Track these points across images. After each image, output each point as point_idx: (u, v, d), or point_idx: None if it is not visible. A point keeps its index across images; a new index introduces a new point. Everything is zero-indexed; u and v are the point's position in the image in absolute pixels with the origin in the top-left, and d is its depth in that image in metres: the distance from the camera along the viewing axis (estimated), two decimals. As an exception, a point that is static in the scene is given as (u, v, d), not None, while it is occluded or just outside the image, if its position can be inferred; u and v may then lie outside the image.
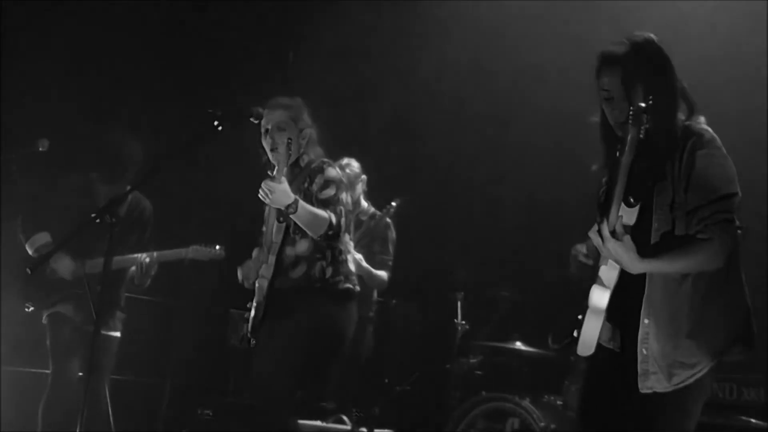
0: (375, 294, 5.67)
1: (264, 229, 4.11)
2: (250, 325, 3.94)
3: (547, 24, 6.22)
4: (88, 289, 4.53)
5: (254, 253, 4.11)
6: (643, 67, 2.79)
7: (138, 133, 5.12)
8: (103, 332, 4.46)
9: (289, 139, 3.87)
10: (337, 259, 3.94)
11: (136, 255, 4.81)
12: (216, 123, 3.75)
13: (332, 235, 3.80)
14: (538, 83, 6.21)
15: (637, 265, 2.69)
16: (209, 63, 6.77)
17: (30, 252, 4.89)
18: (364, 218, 5.62)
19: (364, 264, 5.30)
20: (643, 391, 2.76)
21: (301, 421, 5.20)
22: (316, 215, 3.76)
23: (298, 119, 4.05)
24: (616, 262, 2.73)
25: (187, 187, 6.41)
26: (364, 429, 5.22)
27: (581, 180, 3.52)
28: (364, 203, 5.67)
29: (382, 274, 5.47)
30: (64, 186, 5.02)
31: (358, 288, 4.02)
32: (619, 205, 2.70)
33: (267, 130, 3.98)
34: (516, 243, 6.31)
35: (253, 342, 3.92)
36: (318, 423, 5.38)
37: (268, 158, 4.00)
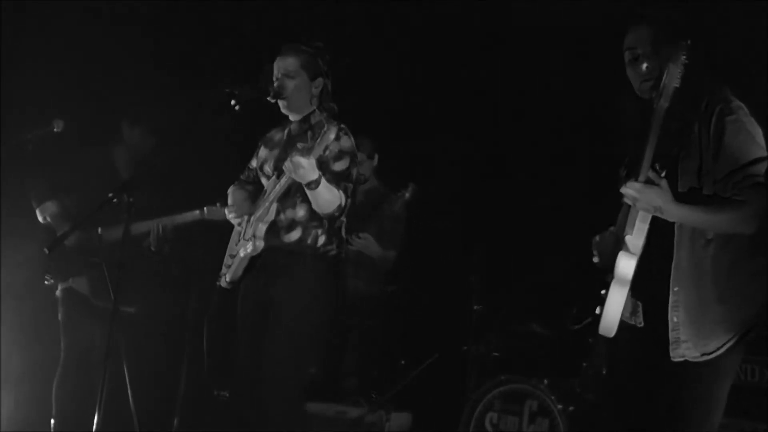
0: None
1: (253, 164, 4.00)
2: (228, 277, 3.84)
3: (555, 21, 6.16)
4: (105, 264, 4.52)
5: (231, 192, 4.02)
6: (672, 27, 2.83)
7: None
8: None
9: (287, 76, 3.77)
10: (333, 227, 3.81)
11: (151, 221, 4.77)
12: (233, 102, 3.72)
13: (337, 216, 3.72)
14: (555, 65, 6.16)
15: (673, 210, 2.68)
16: (218, 48, 6.73)
17: (40, 219, 4.86)
18: (375, 195, 5.71)
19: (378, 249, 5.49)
20: (675, 359, 2.73)
21: (316, 404, 5.20)
22: (331, 195, 3.64)
23: (309, 66, 3.85)
24: (654, 210, 2.69)
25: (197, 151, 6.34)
26: (381, 411, 5.21)
27: (600, 161, 3.50)
28: (375, 181, 5.78)
29: (391, 254, 5.60)
30: (80, 154, 4.98)
31: (344, 254, 3.91)
32: (652, 154, 2.67)
33: (277, 79, 3.83)
34: (533, 225, 6.27)
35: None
36: (333, 405, 5.37)
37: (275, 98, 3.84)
